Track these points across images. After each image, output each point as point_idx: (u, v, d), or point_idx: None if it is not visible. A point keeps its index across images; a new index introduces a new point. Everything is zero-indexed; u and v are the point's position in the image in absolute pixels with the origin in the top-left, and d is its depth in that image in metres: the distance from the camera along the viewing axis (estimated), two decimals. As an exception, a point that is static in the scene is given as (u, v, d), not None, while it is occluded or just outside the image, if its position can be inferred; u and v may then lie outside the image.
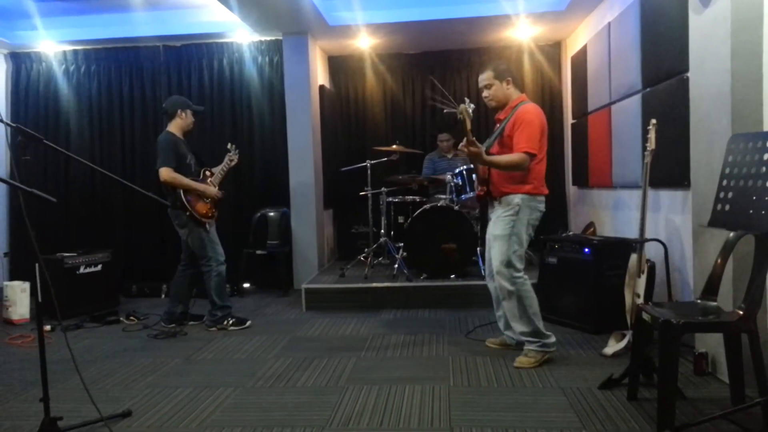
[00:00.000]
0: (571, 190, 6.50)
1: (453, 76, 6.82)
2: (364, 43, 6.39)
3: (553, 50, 6.66)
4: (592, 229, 5.35)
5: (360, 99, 7.01)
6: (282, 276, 5.88)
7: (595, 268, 3.96)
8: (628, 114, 4.51)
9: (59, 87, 6.39)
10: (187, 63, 6.31)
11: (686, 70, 3.40)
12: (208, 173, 4.57)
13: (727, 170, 2.42)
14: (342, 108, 7.05)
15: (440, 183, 5.61)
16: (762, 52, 2.84)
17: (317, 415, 2.75)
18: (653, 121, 3.42)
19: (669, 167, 3.66)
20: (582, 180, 5.89)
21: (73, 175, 6.36)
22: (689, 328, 2.47)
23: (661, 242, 3.54)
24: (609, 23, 4.94)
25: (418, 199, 5.83)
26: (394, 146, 5.69)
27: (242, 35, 6.12)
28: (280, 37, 6.04)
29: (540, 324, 3.40)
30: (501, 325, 3.71)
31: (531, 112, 3.39)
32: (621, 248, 3.89)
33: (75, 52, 6.37)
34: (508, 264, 3.37)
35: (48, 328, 4.43)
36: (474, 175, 4.99)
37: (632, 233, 4.02)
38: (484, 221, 3.72)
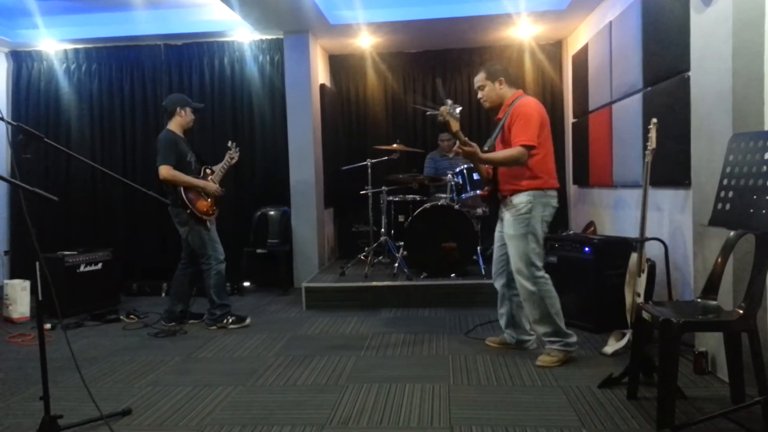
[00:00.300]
0: (572, 189, 6.50)
1: (454, 75, 6.82)
2: (365, 41, 6.38)
3: (554, 49, 6.65)
4: (592, 228, 5.35)
5: (361, 98, 7.01)
6: (282, 275, 5.88)
7: (596, 267, 3.96)
8: (629, 113, 4.51)
9: (60, 85, 6.38)
10: (188, 62, 6.31)
11: (687, 69, 3.39)
12: (208, 171, 4.57)
13: (728, 169, 2.42)
14: (343, 107, 7.05)
15: (440, 182, 5.61)
16: (763, 51, 2.84)
17: (317, 414, 2.75)
18: (654, 120, 3.42)
19: (670, 166, 3.66)
20: (582, 179, 5.89)
21: (73, 174, 6.35)
22: (689, 327, 2.47)
23: (661, 241, 3.55)
24: (610, 22, 4.94)
25: (418, 198, 5.82)
26: (395, 145, 5.69)
27: (243, 34, 6.12)
28: (281, 36, 6.04)
29: (562, 323, 3.38)
30: (502, 323, 3.70)
31: (528, 105, 3.38)
32: (621, 247, 3.88)
33: (76, 50, 6.37)
34: (528, 263, 3.35)
35: (48, 326, 4.44)
36: (475, 175, 4.98)
37: (633, 232, 4.01)
38: (493, 220, 3.71)
